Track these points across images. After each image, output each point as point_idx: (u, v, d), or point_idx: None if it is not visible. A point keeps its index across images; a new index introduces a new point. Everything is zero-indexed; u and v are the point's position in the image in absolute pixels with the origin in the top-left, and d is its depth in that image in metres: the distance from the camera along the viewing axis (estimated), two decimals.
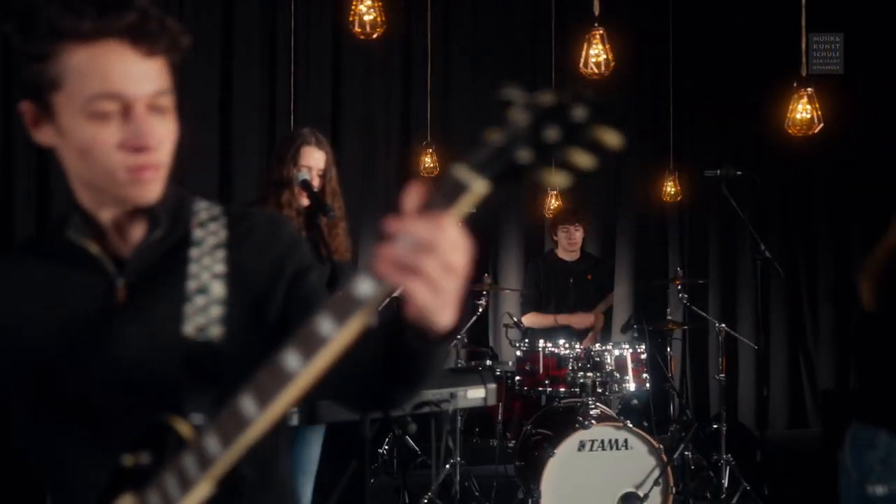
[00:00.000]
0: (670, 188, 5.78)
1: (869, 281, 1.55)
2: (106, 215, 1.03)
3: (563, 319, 4.53)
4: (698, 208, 6.26)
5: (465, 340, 4.20)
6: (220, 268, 1.03)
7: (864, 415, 1.54)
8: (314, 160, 2.60)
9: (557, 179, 0.73)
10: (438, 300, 0.78)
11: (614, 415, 3.72)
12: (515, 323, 4.26)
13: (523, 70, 5.85)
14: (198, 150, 5.25)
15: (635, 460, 3.52)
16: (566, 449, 3.48)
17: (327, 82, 5.68)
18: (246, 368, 0.84)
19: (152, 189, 1.00)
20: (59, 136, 0.98)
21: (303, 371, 0.79)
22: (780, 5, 4.78)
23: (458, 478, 3.93)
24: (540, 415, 3.90)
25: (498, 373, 4.07)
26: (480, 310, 4.15)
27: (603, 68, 2.96)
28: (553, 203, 5.57)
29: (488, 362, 4.04)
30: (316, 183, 2.59)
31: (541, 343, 3.94)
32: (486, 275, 4.45)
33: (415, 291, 0.76)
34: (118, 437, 0.93)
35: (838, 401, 4.70)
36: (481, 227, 5.91)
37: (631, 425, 3.54)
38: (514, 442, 4.02)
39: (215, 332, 0.99)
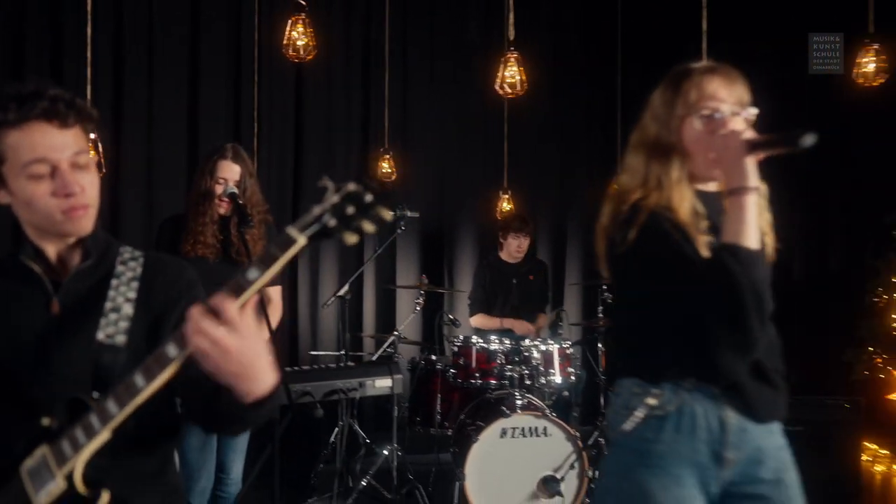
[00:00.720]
0: None
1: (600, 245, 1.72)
2: (50, 249, 1.43)
3: (508, 323, 4.86)
4: None
5: (403, 336, 4.52)
6: (132, 294, 1.42)
7: (612, 371, 1.79)
8: (230, 173, 2.86)
9: (352, 238, 1.15)
10: (232, 371, 1.17)
11: (537, 405, 4.02)
12: (451, 320, 4.57)
13: (479, 77, 6.14)
14: (166, 161, 5.57)
15: (554, 446, 3.81)
16: (489, 436, 3.79)
17: (290, 91, 5.98)
18: (137, 365, 1.22)
19: (84, 224, 1.39)
20: (10, 195, 1.39)
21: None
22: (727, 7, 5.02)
23: (396, 463, 4.25)
24: (473, 405, 4.21)
25: (440, 366, 4.41)
26: (418, 308, 4.45)
27: (518, 88, 3.26)
28: (505, 207, 5.88)
29: (395, 354, 4.32)
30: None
31: (473, 339, 4.25)
32: (422, 276, 4.75)
33: (208, 360, 1.16)
34: (41, 407, 1.30)
35: None
36: (437, 229, 6.24)
37: (550, 415, 3.85)
38: (451, 430, 4.33)
39: (120, 339, 1.38)
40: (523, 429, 3.82)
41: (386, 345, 4.40)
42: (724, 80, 1.63)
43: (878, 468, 5.08)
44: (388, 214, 1.14)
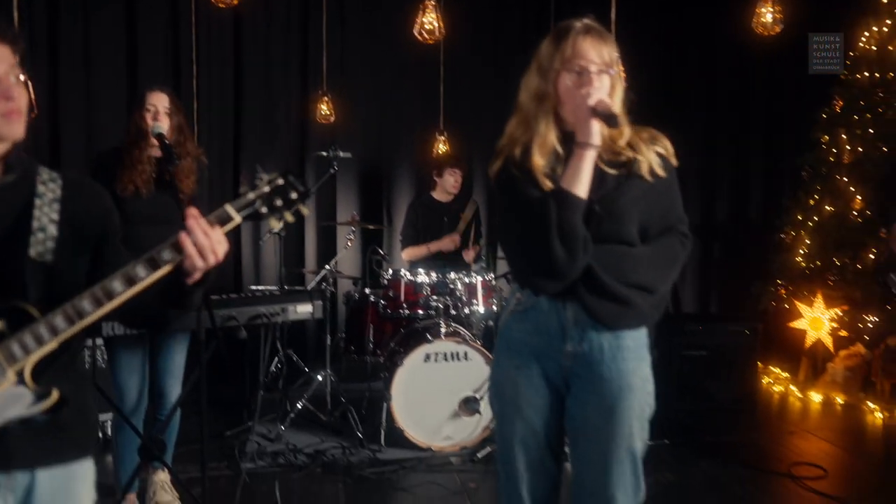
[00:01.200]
0: None
1: None
2: None
3: (434, 246, 5.11)
4: None
5: (339, 270, 4.77)
6: (55, 216, 1.57)
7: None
8: (158, 100, 2.98)
9: (277, 225, 1.49)
10: (200, 265, 1.48)
11: (460, 332, 4.32)
12: (382, 256, 4.83)
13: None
14: (107, 101, 5.64)
15: (473, 370, 4.13)
16: (413, 360, 4.10)
17: (228, 33, 6.03)
18: (68, 280, 1.46)
19: (17, 128, 1.53)
20: None
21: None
22: None
23: (329, 388, 4.56)
24: (403, 334, 4.51)
25: (373, 299, 4.68)
26: (349, 244, 4.70)
27: (437, 34, 3.45)
28: (441, 148, 6.10)
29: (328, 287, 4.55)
30: (163, 122, 2.98)
31: (402, 272, 4.53)
32: (353, 213, 4.99)
33: (191, 258, 1.47)
34: None
35: (674, 321, 5.39)
36: (376, 169, 6.44)
37: (471, 341, 4.16)
38: (383, 358, 4.64)
39: (49, 257, 1.54)
40: (445, 354, 4.13)
41: (318, 278, 4.65)
42: (595, 41, 1.85)
43: (778, 389, 5.56)
44: (305, 210, 1.51)
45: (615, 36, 1.97)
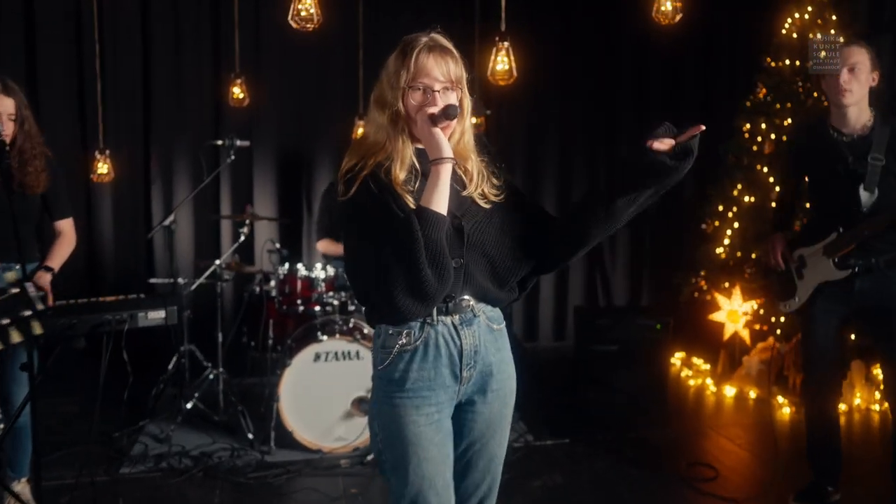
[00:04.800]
0: None
1: None
2: None
3: None
4: None
5: (238, 263, 4.62)
6: None
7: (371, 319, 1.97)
8: (3, 107, 2.88)
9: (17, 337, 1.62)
10: None
11: (356, 329, 4.18)
12: (277, 249, 4.68)
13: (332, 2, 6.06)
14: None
15: (366, 369, 4.01)
16: (302, 360, 3.96)
17: (135, 10, 5.79)
18: None
19: None
20: None
21: None
22: None
23: (222, 386, 4.42)
24: (301, 331, 4.37)
25: (273, 294, 4.53)
26: (243, 237, 4.53)
27: (314, 21, 3.30)
28: (360, 133, 5.92)
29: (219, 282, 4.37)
30: (7, 127, 2.87)
31: (298, 266, 4.38)
32: (247, 205, 4.82)
33: None
34: None
35: (587, 316, 5.32)
36: (294, 156, 6.25)
37: (362, 340, 4.04)
38: None
39: None
40: (336, 353, 4.00)
41: (208, 273, 4.49)
42: (438, 58, 1.80)
43: (695, 382, 5.51)
44: (38, 329, 1.62)
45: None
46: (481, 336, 1.88)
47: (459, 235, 1.81)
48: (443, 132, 1.78)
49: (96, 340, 2.92)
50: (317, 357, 3.99)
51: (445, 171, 1.75)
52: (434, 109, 1.77)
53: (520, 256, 1.89)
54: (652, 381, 4.83)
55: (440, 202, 1.73)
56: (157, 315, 2.83)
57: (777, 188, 5.37)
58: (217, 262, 4.45)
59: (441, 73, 1.79)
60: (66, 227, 3.21)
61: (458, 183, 1.86)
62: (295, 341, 4.27)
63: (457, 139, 1.86)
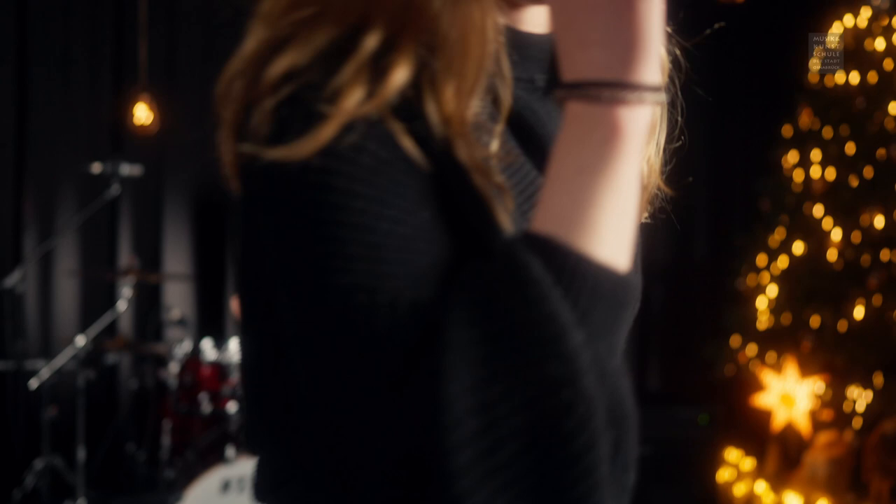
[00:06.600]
0: None
1: None
2: None
3: None
4: None
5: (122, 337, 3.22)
6: None
7: None
8: None
9: None
10: None
11: None
12: (179, 320, 3.31)
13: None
14: None
15: None
16: (203, 490, 2.59)
17: (9, 13, 4.55)
18: None
19: None
20: None
21: None
22: None
23: None
24: (208, 441, 3.00)
25: (168, 384, 3.15)
26: (124, 304, 3.16)
27: None
28: None
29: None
30: None
31: (203, 345, 3.01)
32: (132, 256, 3.44)
33: None
34: None
35: None
36: (214, 193, 4.93)
37: None
38: None
39: None
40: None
41: (73, 353, 3.07)
42: None
43: (742, 487, 4.23)
44: None
45: None
46: None
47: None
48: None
49: None
50: (226, 486, 2.61)
51: (636, 128, 0.53)
52: None
53: None
54: (702, 492, 3.54)
55: (616, 233, 0.54)
56: None
57: (835, 235, 4.24)
58: (79, 339, 3.03)
59: None
60: None
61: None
62: (199, 456, 2.91)
63: None
